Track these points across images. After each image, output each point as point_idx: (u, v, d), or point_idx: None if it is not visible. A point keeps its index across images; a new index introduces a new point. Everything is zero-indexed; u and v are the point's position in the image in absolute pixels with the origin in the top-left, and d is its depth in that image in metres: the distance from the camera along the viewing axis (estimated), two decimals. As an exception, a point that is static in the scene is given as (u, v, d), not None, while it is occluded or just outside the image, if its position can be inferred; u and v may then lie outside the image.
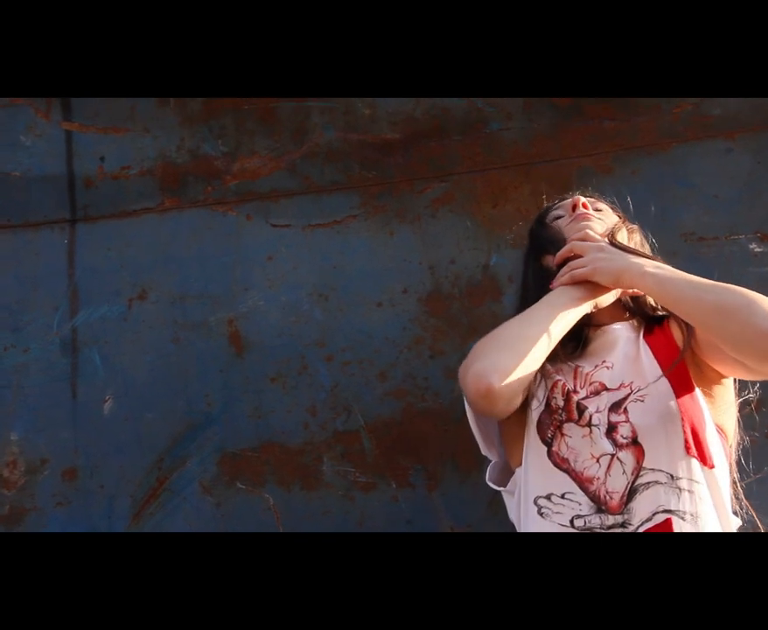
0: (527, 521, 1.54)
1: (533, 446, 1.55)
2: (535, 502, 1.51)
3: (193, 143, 2.24)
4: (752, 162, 1.98)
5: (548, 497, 1.51)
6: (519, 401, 1.54)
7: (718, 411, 1.57)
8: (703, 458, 1.48)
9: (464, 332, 2.02)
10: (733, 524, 1.52)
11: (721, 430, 1.56)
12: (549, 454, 1.53)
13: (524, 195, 2.08)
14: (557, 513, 1.49)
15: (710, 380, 1.58)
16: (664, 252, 1.93)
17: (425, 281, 2.08)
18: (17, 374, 2.17)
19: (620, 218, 1.71)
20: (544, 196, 1.96)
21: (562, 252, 1.61)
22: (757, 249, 1.96)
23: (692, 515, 1.44)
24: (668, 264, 1.63)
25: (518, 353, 1.49)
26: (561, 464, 1.52)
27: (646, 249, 1.70)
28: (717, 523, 1.47)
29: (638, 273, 1.51)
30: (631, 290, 1.62)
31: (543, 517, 1.50)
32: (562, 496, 1.50)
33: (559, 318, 1.55)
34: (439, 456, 1.99)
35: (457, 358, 1.79)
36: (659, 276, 1.51)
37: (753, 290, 1.83)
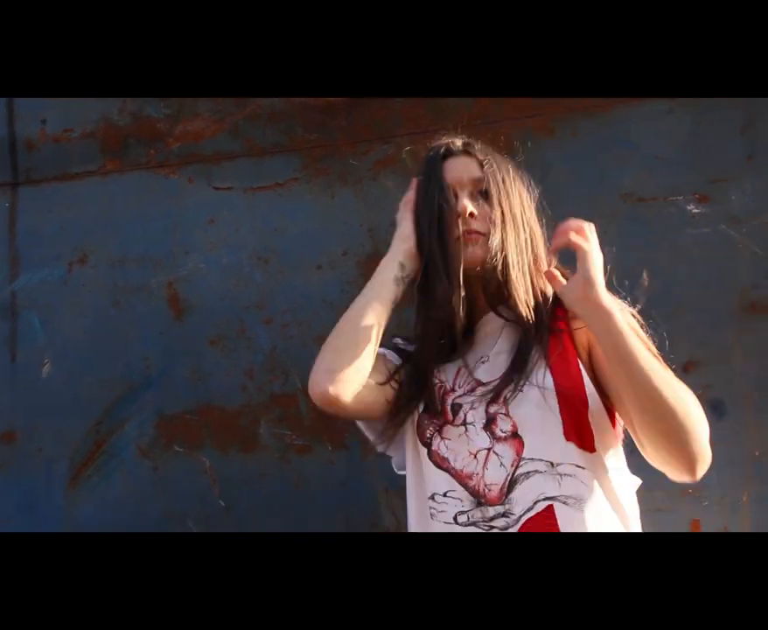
0: (420, 522, 1.61)
1: (414, 448, 1.63)
2: (428, 506, 1.58)
3: (136, 106, 2.33)
4: (692, 123, 2.05)
5: (433, 497, 1.58)
6: (368, 395, 1.60)
7: (607, 385, 1.59)
8: (584, 443, 1.53)
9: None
10: (625, 498, 1.57)
11: (609, 407, 1.59)
12: (430, 455, 1.60)
13: (466, 157, 2.16)
14: (441, 511, 1.56)
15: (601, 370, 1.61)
16: (603, 213, 2.03)
17: (365, 243, 2.17)
18: (-45, 337, 2.26)
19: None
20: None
21: (560, 242, 1.52)
22: (695, 211, 2.04)
23: (575, 499, 1.50)
24: (608, 225, 1.75)
25: (347, 352, 1.56)
26: (441, 463, 1.59)
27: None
28: (606, 505, 1.53)
29: (609, 308, 1.45)
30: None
31: (432, 518, 1.57)
32: (444, 495, 1.57)
33: (381, 301, 1.61)
34: (375, 418, 2.07)
35: (396, 320, 1.86)
36: (624, 331, 1.44)
37: (691, 252, 1.93)
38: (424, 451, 1.60)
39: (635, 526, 1.57)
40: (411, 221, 1.65)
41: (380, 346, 1.61)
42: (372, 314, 1.59)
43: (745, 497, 1.94)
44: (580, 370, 1.57)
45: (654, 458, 1.48)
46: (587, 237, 1.50)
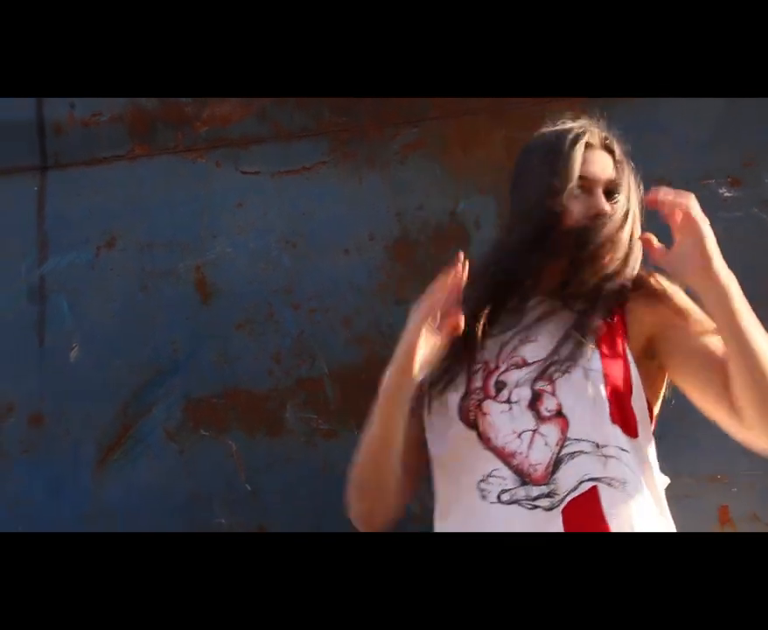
0: (465, 504, 1.59)
1: (461, 436, 1.62)
2: (478, 487, 1.57)
3: (164, 89, 2.35)
4: (724, 105, 2.06)
5: (485, 479, 1.57)
6: (399, 505, 1.66)
7: (646, 375, 1.62)
8: (627, 428, 1.56)
9: (429, 278, 2.12)
10: (659, 488, 1.59)
11: (648, 400, 1.63)
12: (479, 438, 1.59)
13: (495, 141, 2.18)
14: (489, 492, 1.57)
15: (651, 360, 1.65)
16: (635, 198, 2.03)
17: (392, 227, 2.19)
18: (-16, 321, 2.31)
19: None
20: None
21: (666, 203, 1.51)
22: (727, 194, 2.04)
23: (619, 482, 1.52)
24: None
25: (372, 487, 1.63)
26: (486, 443, 1.59)
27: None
28: (646, 491, 1.55)
29: (727, 285, 1.48)
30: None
31: (484, 499, 1.57)
32: (490, 475, 1.57)
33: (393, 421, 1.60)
34: (402, 403, 2.10)
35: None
36: (739, 309, 1.47)
37: (722, 235, 1.93)
38: (473, 434, 1.60)
39: (667, 514, 1.59)
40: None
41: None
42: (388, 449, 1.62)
43: (775, 483, 1.95)
44: (627, 356, 1.59)
45: (751, 427, 1.50)
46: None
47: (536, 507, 1.52)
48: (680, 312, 1.61)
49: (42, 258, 2.32)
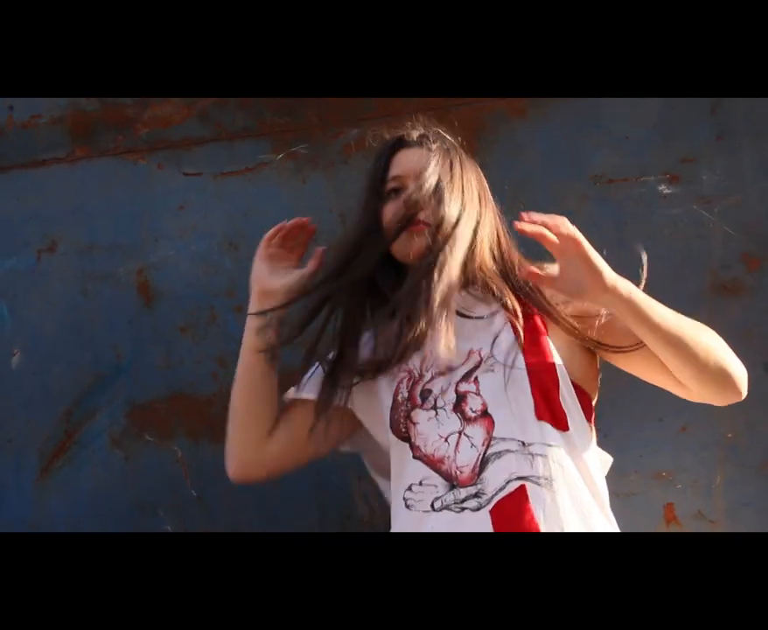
0: (397, 515, 1.70)
1: (394, 448, 1.72)
2: (403, 498, 1.67)
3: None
4: (662, 103, 2.13)
5: (410, 488, 1.67)
6: (276, 449, 1.80)
7: (578, 367, 1.71)
8: (557, 422, 1.63)
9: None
10: (598, 479, 1.66)
11: (580, 387, 1.69)
12: (411, 448, 1.68)
13: (437, 140, 2.23)
14: (419, 501, 1.65)
15: (578, 346, 1.73)
16: (574, 195, 2.11)
17: (336, 229, 2.24)
18: (-77, 328, 2.34)
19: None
20: (459, 138, 2.11)
21: (536, 230, 1.53)
22: (667, 191, 2.12)
23: (546, 479, 1.59)
24: (579, 207, 1.92)
25: (238, 430, 1.82)
26: (416, 453, 1.68)
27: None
28: (580, 484, 1.62)
29: (627, 292, 1.56)
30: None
31: (409, 509, 1.66)
32: (420, 483, 1.66)
33: (248, 380, 1.82)
34: (347, 405, 2.16)
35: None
36: (641, 296, 1.58)
37: (663, 232, 2.02)
38: (405, 446, 1.68)
39: (606, 506, 1.66)
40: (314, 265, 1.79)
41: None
42: (241, 397, 1.81)
43: (719, 480, 2.02)
44: (550, 350, 1.66)
45: (700, 396, 1.63)
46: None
47: (464, 508, 1.60)
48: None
49: (-18, 264, 2.35)
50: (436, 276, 1.64)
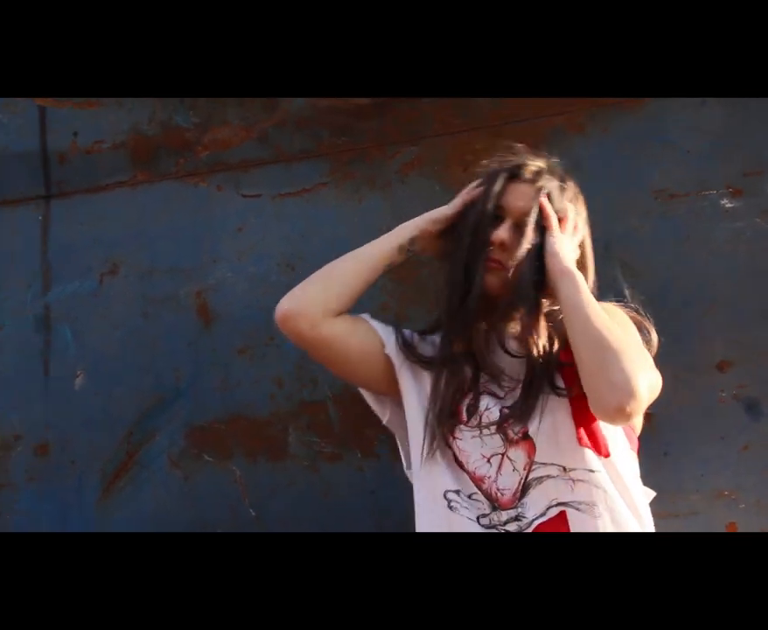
0: (432, 510, 1.75)
1: (438, 445, 1.76)
2: (445, 496, 1.73)
3: (165, 115, 2.51)
4: (725, 115, 2.15)
5: (457, 492, 1.72)
6: (332, 327, 1.81)
7: None
8: (597, 448, 1.68)
9: (431, 297, 2.24)
10: (638, 501, 1.70)
11: None
12: (455, 458, 1.75)
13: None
14: (465, 508, 1.71)
15: None
16: (635, 210, 2.15)
17: (392, 248, 2.31)
18: (-9, 352, 2.47)
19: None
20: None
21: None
22: (729, 205, 2.13)
23: (587, 505, 1.64)
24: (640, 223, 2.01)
25: (320, 278, 1.84)
26: (460, 466, 1.74)
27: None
28: (621, 510, 1.66)
29: (567, 268, 1.71)
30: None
31: (452, 510, 1.72)
32: (469, 497, 1.72)
33: (376, 256, 1.85)
34: (404, 425, 2.22)
35: (425, 324, 2.01)
36: (579, 284, 1.69)
37: (725, 247, 2.04)
38: (449, 451, 1.75)
39: (649, 527, 1.70)
40: (455, 210, 1.84)
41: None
42: (360, 260, 1.84)
43: (783, 499, 2.03)
44: None
45: (588, 386, 1.62)
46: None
47: (506, 531, 1.66)
48: None
49: (46, 287, 2.47)
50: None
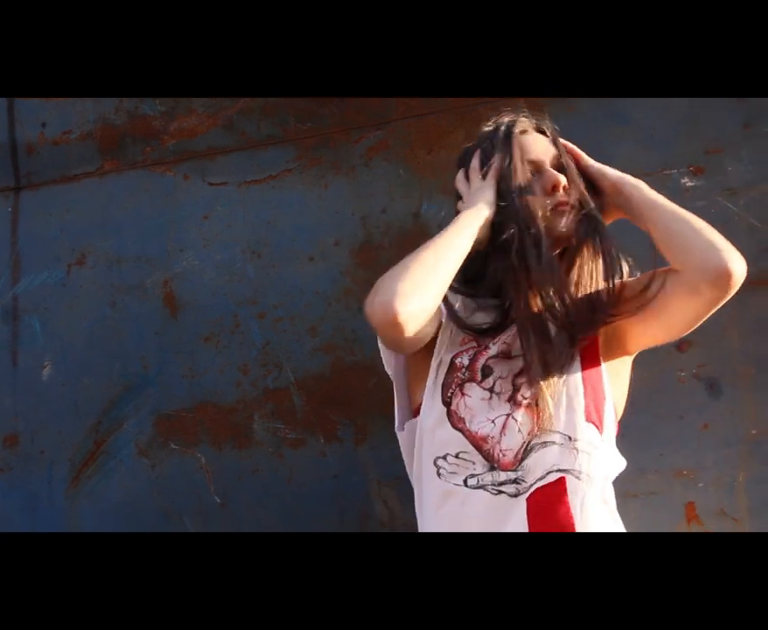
0: (424, 481, 1.80)
1: (433, 406, 1.80)
2: (434, 463, 1.77)
3: (131, 104, 2.60)
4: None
5: (444, 457, 1.76)
6: (428, 330, 1.78)
7: (615, 389, 1.82)
8: (600, 427, 1.74)
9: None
10: (610, 487, 1.76)
11: (614, 406, 1.81)
12: (449, 414, 1.77)
13: (459, 140, 2.36)
14: (452, 473, 1.74)
15: (617, 356, 1.84)
16: (596, 191, 2.21)
17: (357, 232, 2.40)
18: (-40, 343, 2.57)
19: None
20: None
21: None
22: (690, 184, 2.21)
23: (587, 476, 1.69)
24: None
25: (422, 279, 1.70)
26: (456, 423, 1.76)
27: None
28: (607, 485, 1.73)
29: (632, 178, 1.81)
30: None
31: (440, 477, 1.76)
32: (457, 456, 1.75)
33: (465, 241, 1.77)
34: (367, 410, 2.30)
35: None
36: (647, 187, 1.80)
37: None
38: (443, 410, 1.77)
39: (615, 513, 1.76)
40: (492, 189, 1.84)
41: None
42: (447, 258, 1.74)
43: (741, 477, 2.10)
44: (602, 368, 1.79)
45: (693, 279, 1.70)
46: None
47: (501, 492, 1.70)
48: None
49: (15, 278, 2.58)
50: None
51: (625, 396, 1.85)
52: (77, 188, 2.58)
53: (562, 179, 1.79)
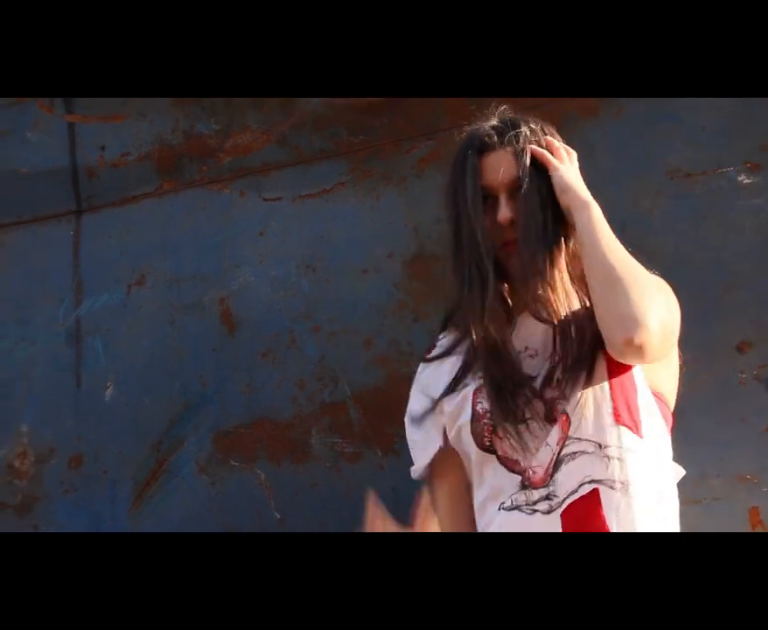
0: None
1: (481, 462, 1.81)
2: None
3: (187, 124, 2.73)
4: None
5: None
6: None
7: (654, 374, 1.80)
8: (634, 427, 1.73)
9: (446, 292, 2.40)
10: (667, 488, 1.76)
11: (659, 395, 1.77)
12: (500, 460, 1.78)
13: (510, 146, 2.44)
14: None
15: None
16: (650, 192, 2.27)
17: (410, 243, 2.48)
18: (25, 367, 2.72)
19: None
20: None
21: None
22: (746, 181, 2.25)
23: (622, 484, 1.68)
24: (653, 204, 2.09)
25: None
26: (513, 467, 1.77)
27: None
28: (651, 492, 1.71)
29: (584, 200, 1.75)
30: None
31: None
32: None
33: None
34: (423, 421, 2.38)
35: (440, 320, 2.15)
36: (597, 216, 1.75)
37: (744, 225, 2.15)
38: (492, 458, 1.79)
39: (674, 515, 1.77)
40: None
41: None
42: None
43: (807, 481, 2.12)
44: None
45: (600, 319, 1.70)
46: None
47: (536, 511, 1.72)
48: None
49: (77, 301, 2.72)
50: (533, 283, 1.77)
51: (675, 379, 1.83)
52: (136, 209, 2.70)
53: (508, 215, 1.76)
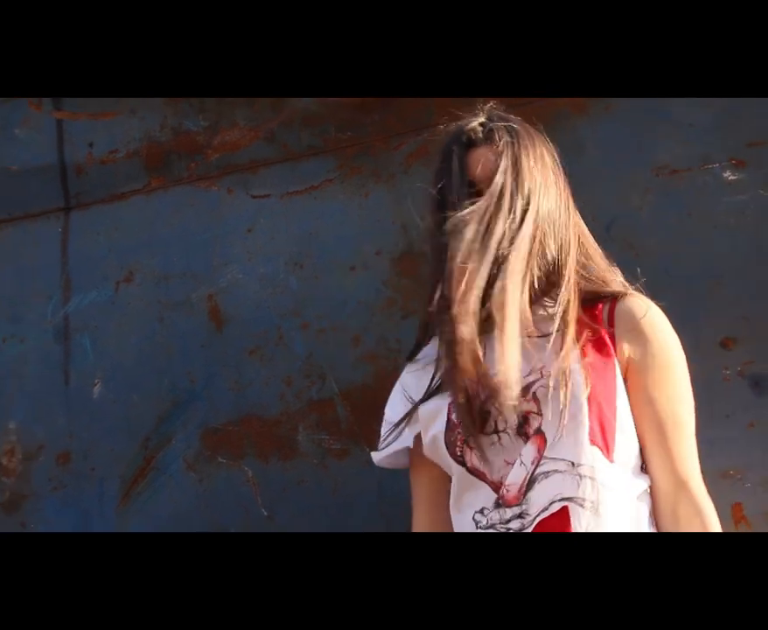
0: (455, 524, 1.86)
1: (459, 472, 1.82)
2: (473, 519, 1.80)
3: (175, 121, 2.76)
4: (724, 86, 2.30)
5: (482, 511, 1.79)
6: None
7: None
8: (607, 450, 1.72)
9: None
10: (640, 508, 1.75)
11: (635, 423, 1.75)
12: (469, 471, 1.80)
13: (498, 143, 2.47)
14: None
15: None
16: (637, 189, 2.31)
17: (398, 241, 2.51)
18: (15, 364, 2.75)
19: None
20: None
21: None
22: (732, 177, 2.28)
23: (592, 503, 1.68)
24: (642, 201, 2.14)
25: None
26: (483, 478, 1.79)
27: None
28: (625, 514, 1.72)
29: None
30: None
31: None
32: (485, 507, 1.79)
33: None
34: (410, 418, 2.41)
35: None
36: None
37: (729, 221, 2.18)
38: (462, 470, 1.81)
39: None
40: None
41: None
42: None
43: (790, 477, 2.15)
44: (615, 378, 1.75)
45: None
46: None
47: (509, 529, 1.73)
48: (648, 356, 1.81)
49: (66, 298, 2.75)
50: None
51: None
52: (124, 206, 2.74)
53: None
